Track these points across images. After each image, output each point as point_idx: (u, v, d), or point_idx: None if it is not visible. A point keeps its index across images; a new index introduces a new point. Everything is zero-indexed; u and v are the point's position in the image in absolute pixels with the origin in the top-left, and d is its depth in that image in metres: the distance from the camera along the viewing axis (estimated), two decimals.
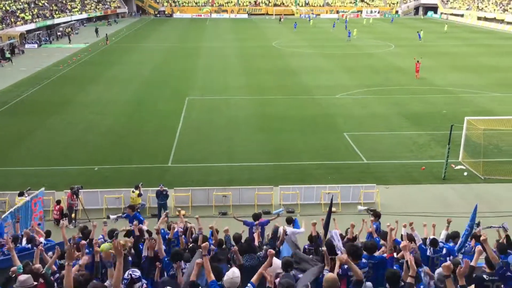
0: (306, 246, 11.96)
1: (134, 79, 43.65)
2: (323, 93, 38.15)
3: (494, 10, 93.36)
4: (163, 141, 27.37)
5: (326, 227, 11.82)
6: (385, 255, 9.12)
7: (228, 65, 50.55)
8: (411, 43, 66.04)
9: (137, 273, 7.27)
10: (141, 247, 10.63)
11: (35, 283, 7.18)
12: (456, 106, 34.16)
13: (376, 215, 14.38)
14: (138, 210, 15.43)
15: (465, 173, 22.85)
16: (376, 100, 36.24)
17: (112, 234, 11.04)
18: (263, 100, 36.29)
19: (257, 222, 14.02)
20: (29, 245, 11.58)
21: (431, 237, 11.03)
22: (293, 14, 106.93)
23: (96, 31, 75.00)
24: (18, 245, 11.66)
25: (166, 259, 9.62)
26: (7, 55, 53.51)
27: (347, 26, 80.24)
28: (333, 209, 19.32)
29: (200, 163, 24.22)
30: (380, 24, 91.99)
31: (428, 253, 10.57)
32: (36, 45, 64.92)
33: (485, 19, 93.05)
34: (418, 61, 43.69)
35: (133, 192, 19.11)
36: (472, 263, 8.41)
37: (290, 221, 13.27)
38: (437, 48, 62.28)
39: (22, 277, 7.15)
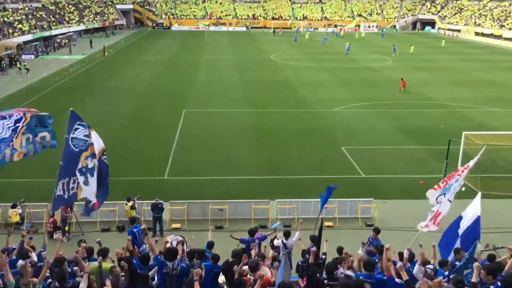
0: (299, 262, 11.77)
1: (131, 91, 43.55)
2: (320, 107, 38.11)
3: (492, 26, 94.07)
4: (160, 154, 27.16)
5: (318, 244, 11.66)
6: (384, 277, 8.87)
7: (226, 78, 50.55)
8: (408, 58, 66.31)
9: None
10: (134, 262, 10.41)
11: None
12: (454, 120, 34.13)
13: (377, 231, 14.15)
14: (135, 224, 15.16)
15: (463, 188, 22.61)
16: (374, 114, 36.20)
17: (103, 253, 10.77)
18: (260, 113, 36.19)
19: (255, 237, 13.82)
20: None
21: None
22: (290, 28, 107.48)
23: (91, 43, 75.14)
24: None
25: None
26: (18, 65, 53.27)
27: (343, 40, 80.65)
28: (330, 223, 19.22)
29: (196, 176, 24.00)
30: (373, 38, 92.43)
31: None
32: (33, 56, 64.89)
33: (483, 34, 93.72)
34: (402, 79, 44.33)
35: (126, 204, 18.87)
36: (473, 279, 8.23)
37: (288, 235, 13.08)
38: (434, 63, 62.54)
39: None
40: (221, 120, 34.36)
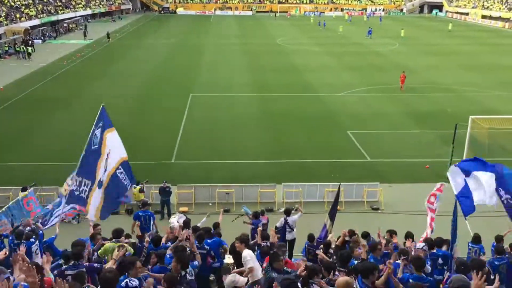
0: (306, 245, 11.94)
1: (138, 76, 43.65)
2: (327, 91, 38.06)
3: (500, 8, 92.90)
4: (166, 138, 27.37)
5: (332, 217, 11.89)
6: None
7: (232, 62, 50.49)
8: (414, 42, 65.77)
9: (134, 282, 7.29)
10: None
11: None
12: (460, 104, 34.01)
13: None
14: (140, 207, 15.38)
15: None
16: (380, 98, 36.13)
17: (117, 234, 11.05)
18: (266, 98, 36.22)
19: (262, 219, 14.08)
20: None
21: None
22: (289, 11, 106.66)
23: (85, 27, 70.82)
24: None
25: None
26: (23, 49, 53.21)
27: (368, 22, 79.88)
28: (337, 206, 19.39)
29: (203, 160, 24.20)
30: (377, 22, 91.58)
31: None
32: (40, 41, 64.96)
33: (490, 17, 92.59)
34: (403, 72, 39.46)
35: (134, 188, 19.12)
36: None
37: (289, 212, 13.33)
38: (441, 46, 62.02)
39: None
40: (228, 104, 34.44)
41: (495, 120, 24.51)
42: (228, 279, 8.98)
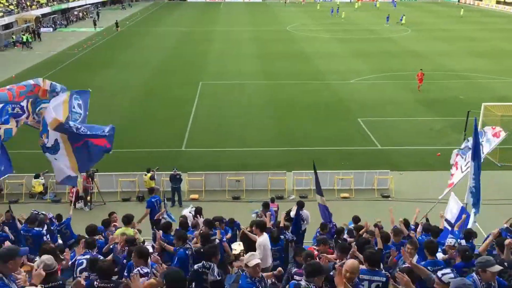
0: (318, 233, 11.95)
1: (148, 63, 43.70)
2: (337, 78, 37.84)
3: None
4: (177, 125, 27.46)
5: (320, 192, 12.15)
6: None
7: (242, 50, 50.29)
8: (427, 27, 64.96)
9: (145, 269, 7.41)
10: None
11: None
12: (473, 91, 33.65)
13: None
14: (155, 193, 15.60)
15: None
16: (391, 85, 35.86)
17: (128, 220, 11.20)
18: (276, 85, 36.11)
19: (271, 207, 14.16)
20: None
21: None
22: None
23: (94, 21, 68.45)
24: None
25: None
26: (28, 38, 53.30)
27: (395, 8, 78.86)
28: (347, 194, 19.43)
29: (214, 148, 24.27)
30: (389, 8, 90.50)
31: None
32: (51, 29, 65.20)
33: (505, 2, 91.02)
34: (421, 70, 34.94)
35: (145, 175, 19.29)
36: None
37: (302, 205, 13.32)
38: (453, 32, 61.20)
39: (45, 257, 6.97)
40: (238, 92, 34.40)
41: (508, 107, 24.20)
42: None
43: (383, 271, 7.24)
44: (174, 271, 6.20)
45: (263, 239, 9.92)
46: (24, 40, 52.16)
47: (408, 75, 38.47)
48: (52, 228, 12.21)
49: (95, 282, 6.89)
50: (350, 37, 57.78)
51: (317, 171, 13.40)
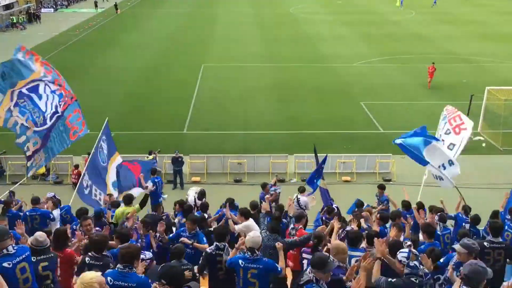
0: (324, 218, 11.83)
1: (149, 45, 43.42)
2: (340, 62, 37.57)
3: None
4: (179, 108, 27.41)
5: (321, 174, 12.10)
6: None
7: (244, 32, 49.88)
8: (431, 10, 64.26)
9: (147, 254, 7.44)
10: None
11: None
12: (477, 75, 33.40)
13: (382, 188, 14.08)
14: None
15: (484, 144, 22.52)
16: (395, 69, 35.62)
17: (129, 200, 11.27)
18: (279, 68, 35.91)
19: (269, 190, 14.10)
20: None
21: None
22: None
23: (96, 2, 66.42)
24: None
25: None
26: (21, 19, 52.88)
27: None
28: (348, 178, 19.45)
29: (216, 131, 24.25)
30: None
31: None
32: (52, 10, 64.75)
33: None
34: (433, 63, 31.23)
35: (147, 157, 19.31)
36: None
37: (303, 190, 13.29)
38: (458, 16, 60.53)
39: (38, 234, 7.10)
40: (240, 75, 34.23)
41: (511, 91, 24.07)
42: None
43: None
44: (169, 266, 5.95)
45: (247, 223, 9.76)
46: (15, 21, 51.70)
47: (412, 58, 38.20)
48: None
49: (86, 258, 6.84)
50: (354, 19, 57.20)
51: (318, 154, 13.34)
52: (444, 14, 60.88)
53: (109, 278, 5.70)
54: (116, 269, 5.92)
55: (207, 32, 49.76)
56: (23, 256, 6.33)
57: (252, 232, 7.15)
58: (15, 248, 6.34)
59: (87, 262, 6.79)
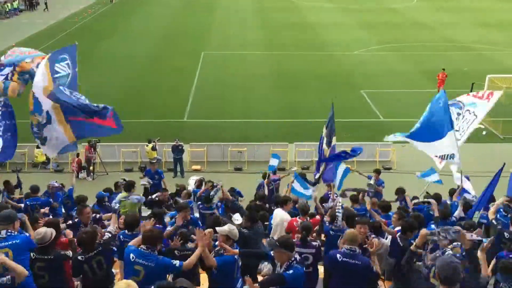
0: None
1: (149, 33, 43.19)
2: (340, 50, 37.41)
3: None
4: (179, 96, 27.35)
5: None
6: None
7: (244, 19, 49.57)
8: None
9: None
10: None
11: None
12: (478, 63, 33.26)
13: (378, 172, 14.58)
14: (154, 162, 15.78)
15: (484, 132, 22.49)
16: (396, 57, 35.47)
17: (129, 187, 11.33)
18: (279, 56, 35.76)
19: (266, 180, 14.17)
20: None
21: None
22: None
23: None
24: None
25: None
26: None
27: None
28: (348, 166, 19.43)
29: (216, 119, 24.22)
30: None
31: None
32: None
33: None
34: (443, 70, 28.13)
35: (146, 146, 19.33)
36: None
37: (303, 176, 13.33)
38: (459, 2, 60.06)
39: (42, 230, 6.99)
40: (240, 63, 34.11)
41: None
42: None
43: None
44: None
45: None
46: (8, 9, 51.30)
47: (413, 46, 38.00)
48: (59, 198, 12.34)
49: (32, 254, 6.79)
50: (354, 6, 56.79)
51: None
52: (443, 1, 60.38)
53: (131, 255, 6.34)
54: (140, 248, 6.41)
55: (207, 18, 49.41)
56: (10, 242, 6.47)
57: (227, 225, 7.04)
58: (9, 233, 6.55)
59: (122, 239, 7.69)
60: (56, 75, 10.39)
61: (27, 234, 7.31)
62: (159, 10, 54.87)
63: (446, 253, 6.24)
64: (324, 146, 11.34)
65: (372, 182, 13.81)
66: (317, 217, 9.69)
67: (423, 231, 6.75)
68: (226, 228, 6.75)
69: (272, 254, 6.40)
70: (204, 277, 7.45)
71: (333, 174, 11.38)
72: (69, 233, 7.78)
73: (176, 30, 44.86)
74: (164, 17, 50.46)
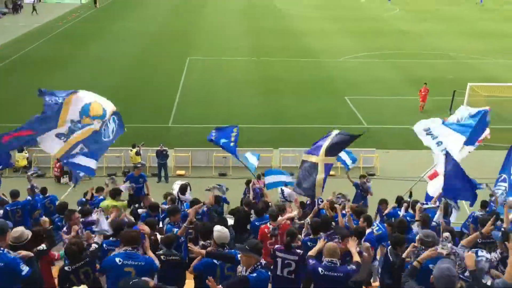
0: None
1: (134, 37, 43.02)
2: (325, 56, 37.69)
3: None
4: (164, 101, 27.25)
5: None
6: None
7: (230, 25, 49.69)
8: (415, 8, 64.61)
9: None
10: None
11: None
12: (460, 72, 33.74)
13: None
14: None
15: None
16: (380, 64, 35.84)
17: (115, 193, 11.23)
18: (264, 62, 35.89)
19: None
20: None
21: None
22: None
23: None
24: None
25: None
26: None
27: None
28: (332, 172, 19.51)
29: (201, 124, 24.14)
30: None
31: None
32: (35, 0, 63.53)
33: None
34: (425, 84, 27.00)
35: (130, 151, 19.20)
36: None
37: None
38: (442, 12, 61.04)
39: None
40: (225, 68, 34.13)
41: (493, 87, 24.40)
42: None
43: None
44: None
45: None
46: None
47: (396, 54, 38.44)
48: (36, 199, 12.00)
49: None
50: (340, 15, 57.31)
51: (306, 146, 12.95)
52: (425, 12, 61.19)
53: (117, 259, 6.31)
54: (123, 251, 6.43)
55: (193, 24, 49.42)
56: None
57: (220, 227, 7.05)
58: None
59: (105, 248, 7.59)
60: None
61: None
62: (143, 14, 54.72)
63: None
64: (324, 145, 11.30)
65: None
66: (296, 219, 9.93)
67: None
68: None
69: (239, 258, 6.39)
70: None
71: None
72: (45, 221, 7.85)
73: (162, 35, 44.73)
74: (149, 22, 50.29)
